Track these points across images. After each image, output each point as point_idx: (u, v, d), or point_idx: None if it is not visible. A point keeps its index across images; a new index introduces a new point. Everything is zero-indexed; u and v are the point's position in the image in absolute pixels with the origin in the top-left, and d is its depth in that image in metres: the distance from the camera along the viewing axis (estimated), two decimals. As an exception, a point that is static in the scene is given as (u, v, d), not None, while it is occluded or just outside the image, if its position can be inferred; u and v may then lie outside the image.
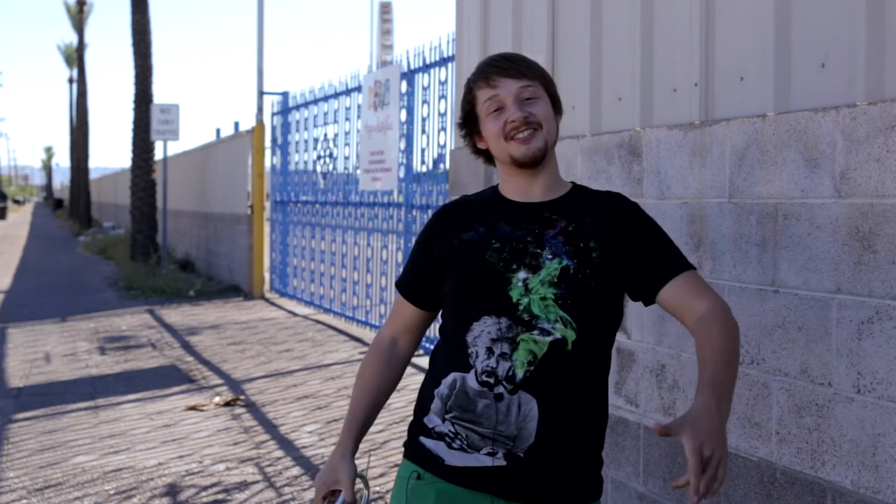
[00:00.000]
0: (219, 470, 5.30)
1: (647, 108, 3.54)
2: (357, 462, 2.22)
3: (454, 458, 2.06)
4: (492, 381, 2.03)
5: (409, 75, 9.01)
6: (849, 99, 2.69)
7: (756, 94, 3.03)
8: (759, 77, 3.02)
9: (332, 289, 11.39)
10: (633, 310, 3.54)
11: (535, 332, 2.02)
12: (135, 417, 6.57)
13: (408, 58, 9.02)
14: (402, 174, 9.14)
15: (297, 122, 12.92)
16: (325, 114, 11.72)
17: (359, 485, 2.21)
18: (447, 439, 2.07)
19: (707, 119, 3.23)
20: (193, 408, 6.81)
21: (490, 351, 2.04)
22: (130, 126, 18.51)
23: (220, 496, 4.86)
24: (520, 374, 2.02)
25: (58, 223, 50.13)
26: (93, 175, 52.17)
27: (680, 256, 2.13)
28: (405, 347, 2.29)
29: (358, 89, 10.45)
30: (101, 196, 46.49)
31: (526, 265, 2.06)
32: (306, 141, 12.50)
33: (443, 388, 2.09)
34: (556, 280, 2.03)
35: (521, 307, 2.03)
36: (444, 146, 8.12)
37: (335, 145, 11.42)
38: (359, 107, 10.39)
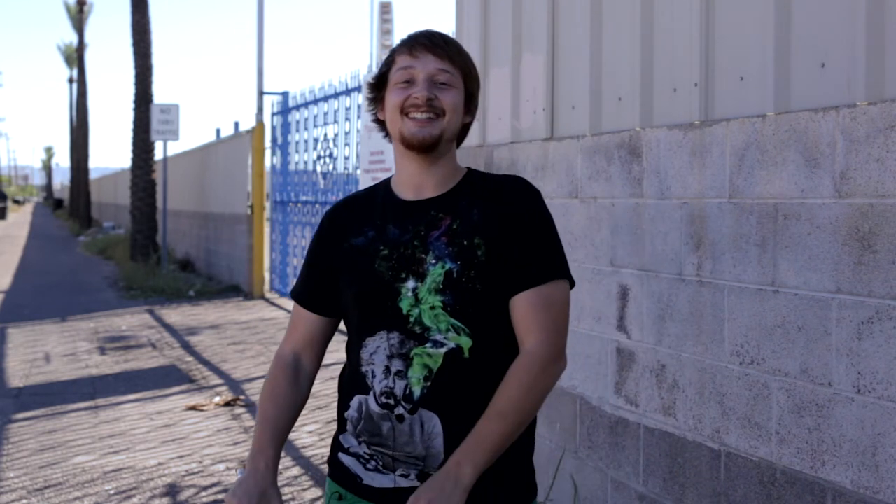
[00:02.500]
0: (219, 470, 5.30)
1: (647, 108, 3.54)
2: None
3: (370, 479, 1.97)
4: (391, 402, 1.92)
5: (409, 75, 9.01)
6: (849, 99, 2.69)
7: (756, 94, 3.03)
8: (759, 77, 3.02)
9: (332, 289, 11.38)
10: (633, 309, 3.54)
11: (428, 344, 1.90)
12: (135, 417, 6.57)
13: (408, 58, 9.01)
14: (402, 174, 9.13)
15: (297, 122, 12.92)
16: (325, 114, 11.72)
17: None
18: (362, 460, 1.98)
19: (707, 119, 3.23)
20: (193, 408, 6.82)
21: (386, 370, 1.93)
22: (130, 126, 18.52)
23: (220, 496, 4.86)
24: (417, 391, 1.90)
25: (58, 223, 50.13)
26: (93, 175, 52.16)
27: (549, 263, 1.94)
28: (309, 364, 2.12)
29: (358, 89, 10.45)
30: (101, 196, 46.49)
31: (414, 273, 1.93)
32: (306, 141, 12.50)
33: (351, 411, 2.00)
34: (441, 287, 1.90)
35: (411, 319, 1.91)
36: (444, 146, 8.12)
37: (335, 145, 11.42)
38: (359, 107, 10.39)
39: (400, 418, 1.92)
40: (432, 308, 1.91)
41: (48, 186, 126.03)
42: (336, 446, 2.06)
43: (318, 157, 11.99)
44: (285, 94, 13.57)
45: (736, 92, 3.12)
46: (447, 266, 1.91)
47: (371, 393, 1.95)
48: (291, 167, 13.27)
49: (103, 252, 23.39)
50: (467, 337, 1.91)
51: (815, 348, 2.74)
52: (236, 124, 15.46)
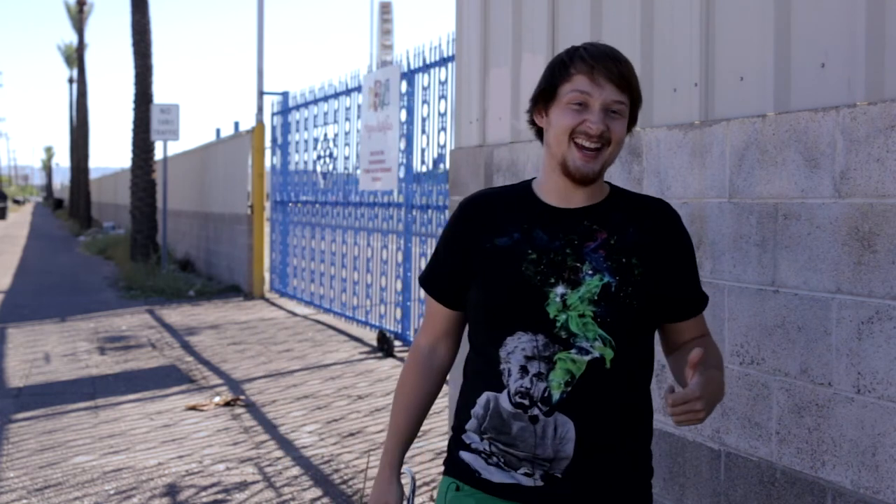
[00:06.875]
0: (218, 470, 5.30)
1: (647, 108, 3.53)
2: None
3: (491, 474, 2.00)
4: (526, 402, 1.95)
5: (409, 75, 9.01)
6: (849, 99, 2.69)
7: (756, 94, 3.03)
8: (759, 77, 3.02)
9: (332, 289, 11.39)
10: (633, 310, 3.54)
11: (573, 350, 1.94)
12: (135, 417, 6.57)
13: (408, 58, 9.02)
14: (402, 174, 9.14)
15: (297, 122, 12.92)
16: (325, 114, 11.72)
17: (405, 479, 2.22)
18: (483, 455, 2.01)
19: (707, 119, 3.23)
20: (193, 408, 6.82)
21: (524, 370, 1.95)
22: (130, 126, 18.52)
23: (219, 496, 4.86)
24: (556, 395, 1.94)
25: (58, 223, 50.13)
26: (93, 175, 52.13)
27: (699, 287, 2.12)
28: (444, 355, 2.18)
29: (358, 89, 10.46)
30: (101, 196, 46.48)
31: (564, 279, 1.95)
32: (306, 141, 12.50)
33: (478, 408, 2.01)
34: (596, 298, 1.94)
35: (558, 324, 1.94)
36: (444, 146, 8.12)
37: (335, 145, 11.42)
38: (359, 107, 10.39)
39: (533, 419, 1.95)
40: (581, 316, 1.94)
41: (48, 186, 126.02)
42: (455, 445, 2.07)
43: (318, 157, 12.00)
44: (285, 95, 13.57)
45: (736, 92, 3.12)
46: (605, 279, 1.96)
47: (505, 391, 1.97)
48: (291, 167, 13.28)
49: (103, 252, 23.39)
50: (611, 349, 1.95)
51: (815, 348, 2.74)
52: (236, 124, 15.45)
